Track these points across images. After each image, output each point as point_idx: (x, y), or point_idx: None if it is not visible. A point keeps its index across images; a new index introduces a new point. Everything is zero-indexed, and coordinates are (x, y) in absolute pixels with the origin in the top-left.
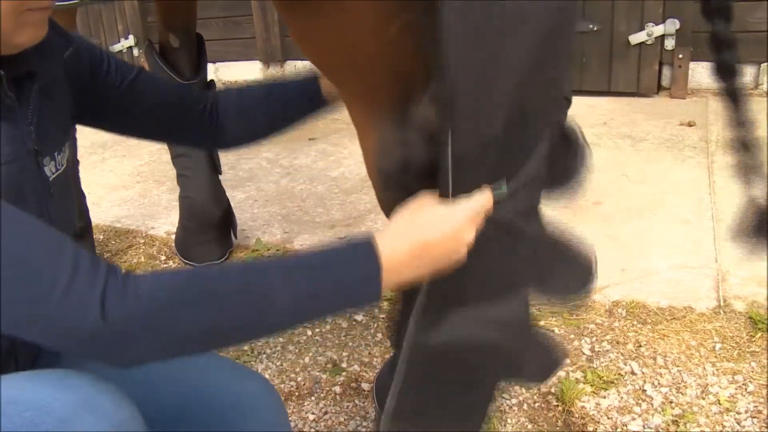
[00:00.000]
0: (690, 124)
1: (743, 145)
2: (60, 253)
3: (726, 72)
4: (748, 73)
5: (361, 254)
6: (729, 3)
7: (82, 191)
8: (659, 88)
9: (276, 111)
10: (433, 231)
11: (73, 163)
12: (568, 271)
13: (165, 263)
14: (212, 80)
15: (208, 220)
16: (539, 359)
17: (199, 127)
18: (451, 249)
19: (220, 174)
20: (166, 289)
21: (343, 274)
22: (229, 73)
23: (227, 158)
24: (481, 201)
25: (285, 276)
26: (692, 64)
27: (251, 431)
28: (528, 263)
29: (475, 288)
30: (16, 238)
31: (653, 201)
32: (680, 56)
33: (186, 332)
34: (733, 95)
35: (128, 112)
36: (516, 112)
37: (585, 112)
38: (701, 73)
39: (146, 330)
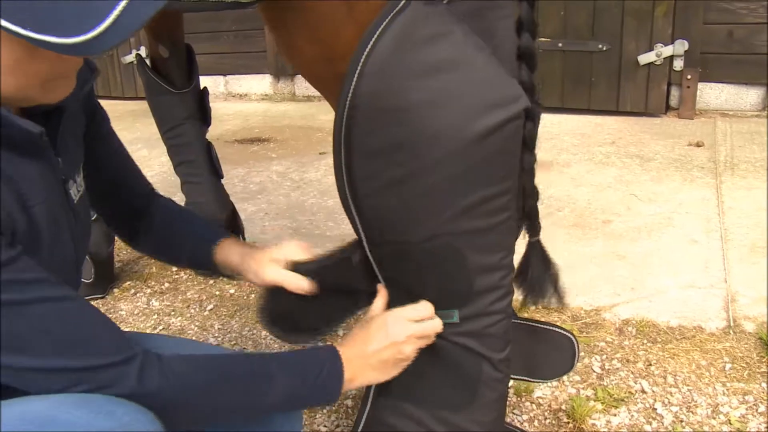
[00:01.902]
0: (698, 145)
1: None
2: (112, 335)
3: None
4: (755, 95)
5: (328, 369)
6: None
7: (76, 208)
8: (667, 108)
9: (167, 246)
10: (379, 341)
11: None
12: (550, 353)
13: (176, 274)
14: (205, 87)
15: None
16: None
17: (131, 216)
18: (395, 356)
19: (222, 178)
20: (192, 374)
21: (314, 380)
22: (240, 86)
23: (237, 171)
24: (431, 325)
25: (278, 378)
26: (701, 85)
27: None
28: (489, 378)
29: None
30: (82, 321)
31: (662, 220)
32: (689, 77)
33: (201, 409)
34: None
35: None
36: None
37: (593, 131)
38: (709, 94)
39: (172, 402)
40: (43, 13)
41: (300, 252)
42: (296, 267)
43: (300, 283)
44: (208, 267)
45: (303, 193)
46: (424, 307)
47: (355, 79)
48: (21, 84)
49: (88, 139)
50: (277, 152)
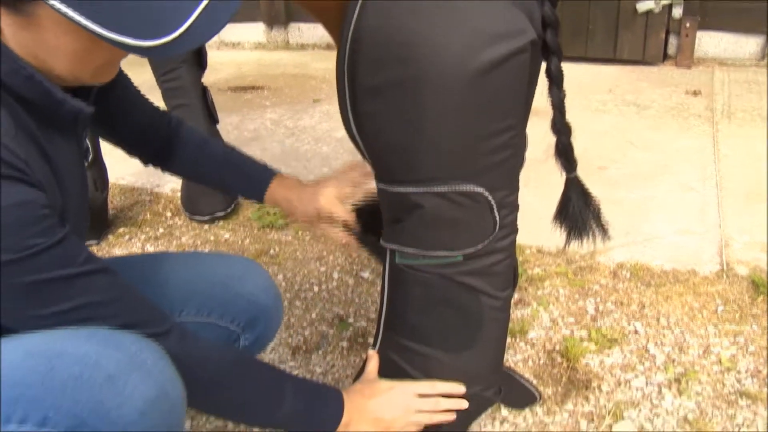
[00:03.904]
0: (695, 93)
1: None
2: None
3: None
4: (754, 44)
5: (331, 408)
6: None
7: (103, 162)
8: (665, 56)
9: (220, 178)
10: (381, 403)
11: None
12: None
13: (171, 220)
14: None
15: None
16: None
17: (154, 150)
18: (389, 423)
19: (217, 123)
20: (212, 363)
21: (317, 413)
22: (232, 34)
23: (231, 119)
24: (430, 407)
25: (288, 399)
26: (699, 33)
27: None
28: (492, 317)
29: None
30: (129, 292)
31: (658, 168)
32: (687, 25)
33: (212, 397)
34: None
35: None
36: None
37: (590, 80)
38: (708, 43)
39: (191, 376)
40: (121, 14)
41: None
42: (355, 207)
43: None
44: (254, 198)
45: (297, 140)
46: (436, 387)
47: (357, 12)
48: (76, 69)
49: (112, 91)
50: (271, 100)
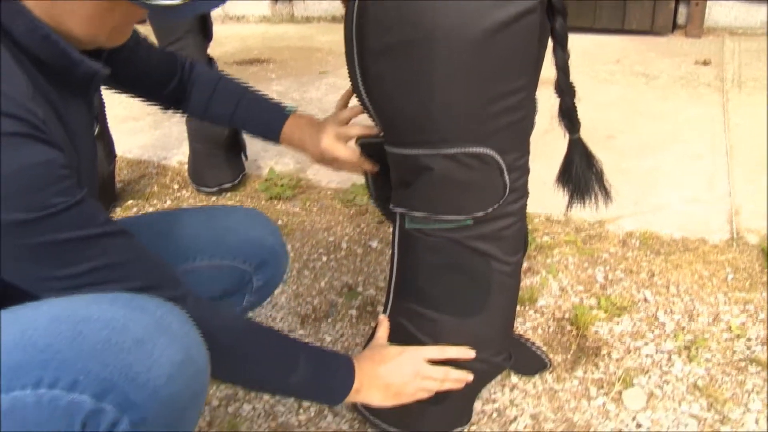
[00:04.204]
0: (705, 63)
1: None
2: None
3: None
4: (765, 13)
5: (342, 375)
6: None
7: (110, 135)
8: (674, 26)
9: (235, 116)
10: (390, 369)
11: (101, 105)
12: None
13: (178, 192)
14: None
15: (216, 140)
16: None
17: (169, 96)
18: (398, 388)
19: None
20: (230, 331)
21: (327, 381)
22: (237, 8)
23: None
24: (440, 375)
25: (301, 367)
26: (709, 3)
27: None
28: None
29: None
30: (146, 253)
31: (667, 137)
32: None
33: (225, 363)
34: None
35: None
36: None
37: (597, 50)
38: (718, 12)
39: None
40: None
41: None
42: (362, 143)
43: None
44: (268, 137)
45: (304, 112)
46: (446, 351)
47: None
48: (93, 31)
49: (122, 50)
50: (277, 73)
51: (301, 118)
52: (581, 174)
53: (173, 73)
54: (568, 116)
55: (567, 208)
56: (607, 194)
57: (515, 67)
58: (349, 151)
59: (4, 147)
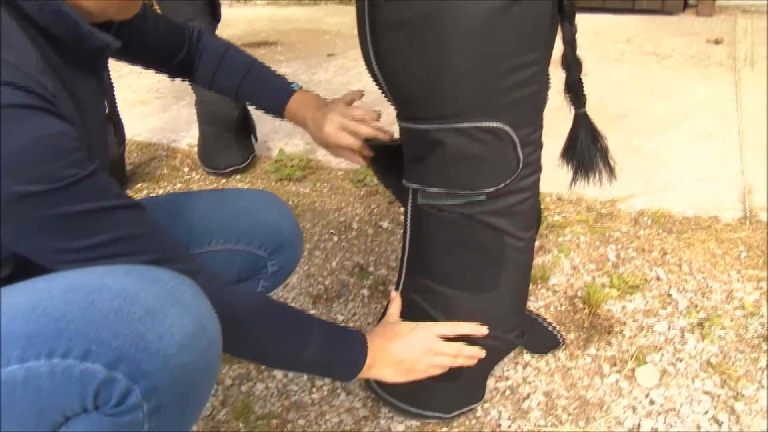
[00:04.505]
0: (717, 41)
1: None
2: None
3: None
4: None
5: (355, 351)
6: None
7: (120, 118)
8: (685, 5)
9: (240, 88)
10: (403, 345)
11: (110, 89)
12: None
13: (188, 174)
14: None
15: (225, 122)
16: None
17: (178, 65)
18: (411, 364)
19: None
20: (243, 307)
21: (340, 356)
22: None
23: None
24: (453, 351)
25: (315, 342)
26: None
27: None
28: (514, 257)
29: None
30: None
31: (678, 116)
32: None
33: (242, 341)
34: None
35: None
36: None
37: (607, 30)
38: None
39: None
40: None
41: (366, 125)
42: (368, 142)
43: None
44: (272, 112)
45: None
46: (459, 328)
47: None
48: (103, 3)
49: (131, 22)
50: (285, 55)
51: (306, 95)
52: (586, 149)
53: (181, 44)
54: (575, 90)
55: (571, 183)
56: (611, 171)
57: (528, 40)
58: (351, 139)
59: (15, 119)
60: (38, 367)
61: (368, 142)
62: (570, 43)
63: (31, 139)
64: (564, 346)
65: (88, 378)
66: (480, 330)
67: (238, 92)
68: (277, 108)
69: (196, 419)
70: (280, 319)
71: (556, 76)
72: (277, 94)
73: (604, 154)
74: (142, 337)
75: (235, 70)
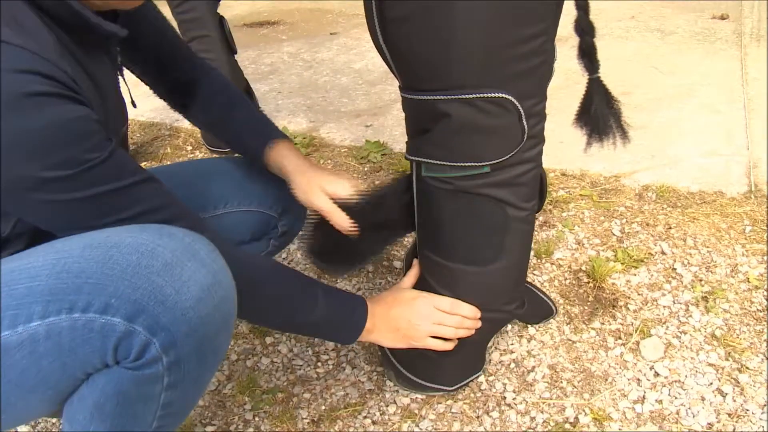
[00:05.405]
0: (723, 17)
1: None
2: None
3: None
4: None
5: (356, 315)
6: None
7: (122, 98)
8: None
9: (223, 126)
10: (402, 312)
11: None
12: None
13: (191, 153)
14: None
15: None
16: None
17: (173, 89)
18: (408, 331)
19: (236, 53)
20: (252, 268)
21: (342, 319)
22: None
23: (247, 53)
24: (454, 323)
25: (319, 304)
26: None
27: None
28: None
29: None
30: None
31: (683, 91)
32: None
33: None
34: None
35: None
36: None
37: (611, 6)
38: None
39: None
40: None
41: (350, 189)
42: (344, 205)
43: (343, 223)
44: (257, 161)
45: (315, 72)
46: (457, 306)
47: None
48: None
49: (139, 20)
50: (288, 34)
51: (290, 151)
52: (600, 113)
53: (183, 65)
54: (588, 55)
55: (586, 146)
56: (624, 134)
57: (535, 11)
58: (329, 203)
59: (38, 107)
60: (60, 322)
61: (349, 207)
62: (583, 8)
63: (54, 126)
64: (568, 320)
65: (109, 331)
66: (476, 313)
67: (230, 143)
68: (256, 160)
69: (213, 375)
70: (288, 280)
71: (563, 57)
72: (256, 145)
73: (618, 117)
74: (160, 290)
75: (224, 112)
